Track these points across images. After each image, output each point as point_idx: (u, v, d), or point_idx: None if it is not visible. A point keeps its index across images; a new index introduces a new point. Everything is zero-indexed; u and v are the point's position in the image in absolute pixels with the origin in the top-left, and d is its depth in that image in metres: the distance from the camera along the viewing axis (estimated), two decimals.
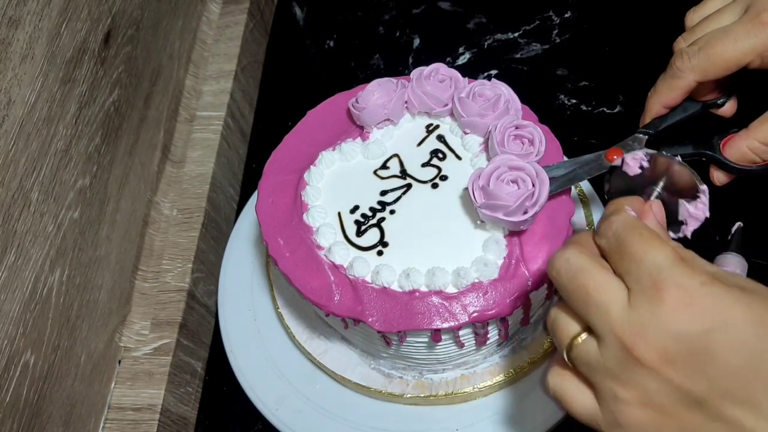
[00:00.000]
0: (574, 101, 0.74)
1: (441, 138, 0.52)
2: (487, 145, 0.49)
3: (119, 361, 0.60)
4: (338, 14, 0.86)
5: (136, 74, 0.62)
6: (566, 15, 0.80)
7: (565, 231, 0.46)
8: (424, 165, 0.50)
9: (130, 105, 0.61)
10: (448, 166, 0.50)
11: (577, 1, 0.80)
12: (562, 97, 0.74)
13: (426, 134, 0.52)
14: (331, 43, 0.84)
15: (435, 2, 0.84)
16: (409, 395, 0.52)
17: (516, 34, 0.79)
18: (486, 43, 0.79)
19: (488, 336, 0.47)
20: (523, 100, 0.52)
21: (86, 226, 0.54)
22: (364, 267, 0.45)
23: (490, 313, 0.44)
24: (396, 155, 0.51)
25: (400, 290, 0.45)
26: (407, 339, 0.46)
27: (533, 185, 0.44)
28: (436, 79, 0.51)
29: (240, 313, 0.60)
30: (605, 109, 0.73)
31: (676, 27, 0.46)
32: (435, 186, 0.49)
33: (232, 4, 0.79)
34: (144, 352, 0.60)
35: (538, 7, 0.80)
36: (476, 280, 0.44)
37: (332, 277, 0.46)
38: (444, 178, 0.49)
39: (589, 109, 0.73)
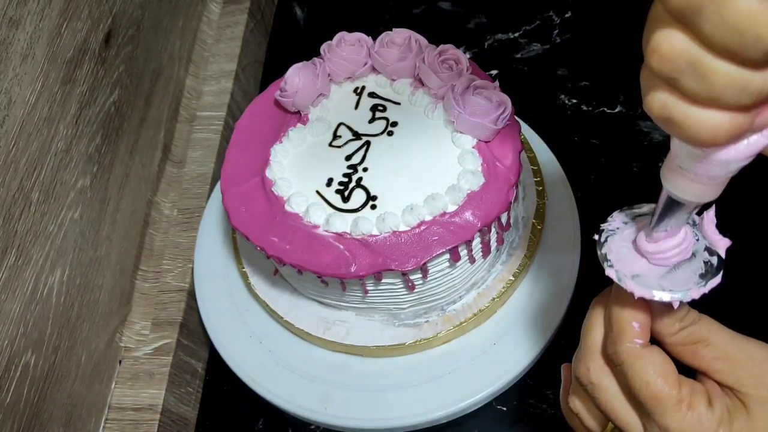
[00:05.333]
0: (574, 101, 0.74)
1: (373, 94, 0.55)
2: (419, 82, 0.53)
3: (120, 362, 0.60)
4: (338, 14, 0.86)
5: (137, 74, 0.63)
6: (566, 15, 0.80)
7: (516, 126, 0.51)
8: (371, 121, 0.53)
9: (131, 105, 0.61)
10: (392, 113, 0.53)
11: (577, 1, 0.80)
12: (562, 97, 0.74)
13: (358, 96, 0.55)
14: None
15: (435, 2, 0.84)
16: (442, 332, 0.53)
17: (516, 34, 0.79)
18: (486, 43, 0.79)
19: (490, 243, 0.50)
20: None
21: (87, 227, 0.54)
22: (367, 223, 0.47)
23: (494, 211, 0.47)
24: (341, 123, 0.53)
25: (408, 228, 0.47)
26: (429, 272, 0.48)
27: (498, 98, 0.49)
28: (346, 44, 0.54)
29: (237, 336, 0.58)
30: (605, 109, 0.73)
31: None
32: (390, 134, 0.52)
33: (232, 4, 0.79)
34: (144, 352, 0.60)
35: (538, 7, 0.80)
36: (469, 191, 0.48)
37: (341, 246, 0.47)
38: (394, 124, 0.53)
39: (589, 109, 0.73)
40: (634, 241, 0.32)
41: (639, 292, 0.30)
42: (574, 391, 0.36)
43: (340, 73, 0.54)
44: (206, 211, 0.65)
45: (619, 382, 0.33)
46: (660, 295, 0.30)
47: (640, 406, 0.32)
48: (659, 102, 0.23)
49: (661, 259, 0.31)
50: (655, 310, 0.32)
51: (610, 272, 0.31)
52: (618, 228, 0.33)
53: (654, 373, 0.31)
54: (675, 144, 0.25)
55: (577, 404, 0.36)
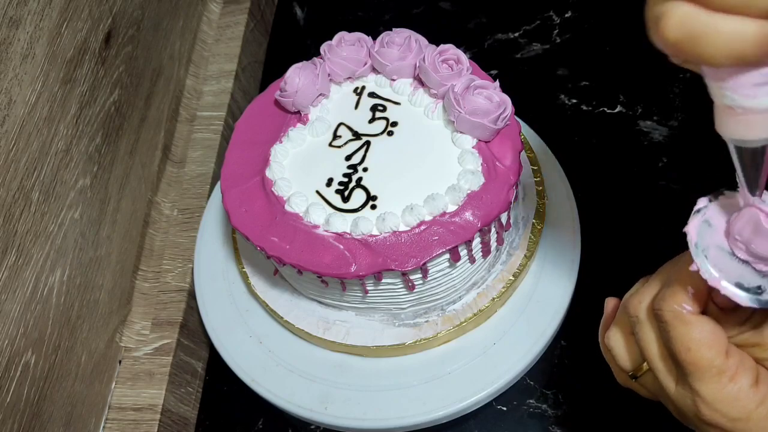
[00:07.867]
0: (574, 101, 0.74)
1: (373, 94, 0.55)
2: (419, 82, 0.53)
3: (120, 361, 0.60)
4: (338, 14, 0.86)
5: (137, 74, 0.63)
6: (566, 15, 0.80)
7: (516, 126, 0.51)
8: (371, 121, 0.53)
9: (131, 105, 0.61)
10: (392, 113, 0.53)
11: (577, 1, 0.80)
12: (562, 97, 0.74)
13: (358, 96, 0.55)
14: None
15: (435, 2, 0.84)
16: (442, 332, 0.53)
17: (516, 34, 0.79)
18: (486, 43, 0.79)
19: (490, 243, 0.50)
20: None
21: (87, 226, 0.54)
22: (367, 223, 0.47)
23: (494, 211, 0.47)
24: (341, 123, 0.54)
25: (408, 228, 0.47)
26: (429, 272, 0.48)
27: (499, 98, 0.49)
28: (347, 44, 0.54)
29: (237, 336, 0.58)
30: (605, 109, 0.73)
31: None
32: (390, 134, 0.52)
33: (232, 4, 0.79)
34: (144, 352, 0.60)
35: (538, 7, 0.80)
36: (469, 191, 0.48)
37: (341, 246, 0.47)
38: (394, 124, 0.53)
39: (589, 109, 0.73)
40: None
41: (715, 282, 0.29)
42: (616, 324, 0.35)
43: (340, 73, 0.54)
44: (206, 211, 0.65)
45: (661, 338, 0.32)
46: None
47: (679, 366, 0.31)
48: (677, 18, 0.21)
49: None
50: (720, 302, 0.31)
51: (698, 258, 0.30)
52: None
53: (697, 340, 0.30)
54: (709, 81, 0.24)
55: (613, 340, 0.35)
